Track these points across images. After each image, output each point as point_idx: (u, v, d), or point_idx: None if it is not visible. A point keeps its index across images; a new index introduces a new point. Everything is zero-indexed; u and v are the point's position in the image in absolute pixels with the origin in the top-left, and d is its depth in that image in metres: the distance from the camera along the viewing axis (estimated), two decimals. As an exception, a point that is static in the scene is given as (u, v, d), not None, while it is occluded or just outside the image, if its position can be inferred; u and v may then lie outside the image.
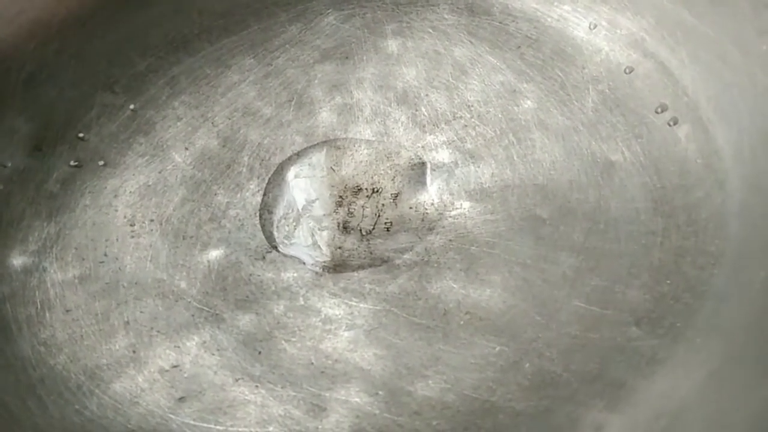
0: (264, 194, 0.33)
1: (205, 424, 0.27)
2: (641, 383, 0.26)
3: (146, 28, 0.36)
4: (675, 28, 0.34)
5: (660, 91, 0.33)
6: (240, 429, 0.27)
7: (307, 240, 0.32)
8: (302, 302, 0.30)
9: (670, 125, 0.33)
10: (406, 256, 0.31)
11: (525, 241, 0.31)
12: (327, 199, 0.33)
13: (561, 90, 0.35)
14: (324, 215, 0.32)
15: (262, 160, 0.34)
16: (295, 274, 0.31)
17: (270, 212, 0.33)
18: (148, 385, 0.28)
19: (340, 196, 0.33)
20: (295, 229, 0.32)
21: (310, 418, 0.27)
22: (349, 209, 0.32)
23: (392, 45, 0.37)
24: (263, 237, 0.32)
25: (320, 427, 0.27)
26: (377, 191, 0.33)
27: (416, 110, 0.35)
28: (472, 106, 0.35)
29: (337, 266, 0.31)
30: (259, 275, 0.31)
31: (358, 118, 0.35)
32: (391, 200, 0.33)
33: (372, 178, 0.33)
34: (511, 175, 0.33)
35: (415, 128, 0.35)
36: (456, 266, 0.30)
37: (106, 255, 0.32)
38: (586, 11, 0.36)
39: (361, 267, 0.31)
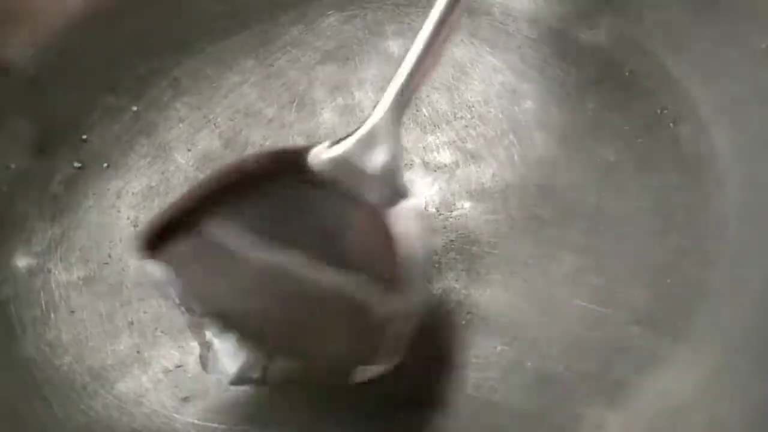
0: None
1: (209, 424, 0.27)
2: (642, 382, 0.27)
3: (147, 30, 0.37)
4: (675, 29, 0.34)
5: (660, 92, 0.33)
6: (244, 428, 0.27)
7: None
8: (305, 302, 0.30)
9: (669, 126, 0.33)
10: (407, 256, 0.31)
11: (526, 241, 0.31)
12: None
13: (561, 90, 0.35)
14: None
15: (264, 161, 0.34)
16: (298, 275, 0.31)
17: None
18: (153, 385, 0.28)
19: (342, 197, 0.33)
20: None
21: (314, 417, 0.27)
22: (351, 210, 0.32)
23: (393, 46, 0.37)
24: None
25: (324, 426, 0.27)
26: (379, 192, 0.33)
27: (417, 111, 0.35)
28: (473, 106, 0.35)
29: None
30: (262, 276, 0.31)
31: (359, 119, 0.35)
32: (393, 201, 0.33)
33: (374, 179, 0.33)
34: (511, 176, 0.33)
35: (416, 129, 0.35)
36: (457, 266, 0.30)
37: (110, 256, 0.32)
38: (587, 11, 0.36)
39: (363, 267, 0.31)
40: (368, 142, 0.26)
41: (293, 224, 0.25)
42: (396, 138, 0.26)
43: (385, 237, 0.25)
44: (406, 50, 0.36)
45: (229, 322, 0.25)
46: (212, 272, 0.25)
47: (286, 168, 0.26)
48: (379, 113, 0.26)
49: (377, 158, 0.26)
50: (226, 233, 0.25)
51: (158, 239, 0.25)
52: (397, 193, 0.26)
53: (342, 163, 0.26)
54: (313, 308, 0.24)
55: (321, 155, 0.26)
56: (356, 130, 0.27)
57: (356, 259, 0.25)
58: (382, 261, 0.25)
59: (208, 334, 0.26)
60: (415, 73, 0.27)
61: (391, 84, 0.27)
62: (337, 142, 0.27)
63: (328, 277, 0.24)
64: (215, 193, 0.26)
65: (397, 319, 0.24)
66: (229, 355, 0.25)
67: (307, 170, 0.26)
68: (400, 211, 0.26)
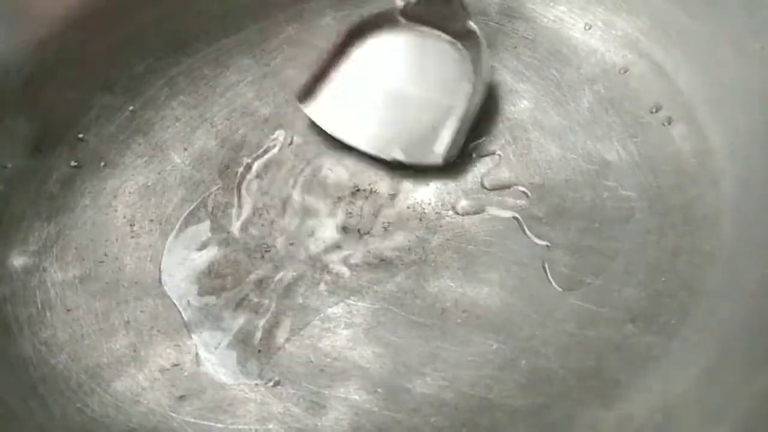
0: (263, 193, 0.33)
1: (205, 422, 0.27)
2: (637, 380, 0.27)
3: (145, 29, 0.37)
4: (670, 29, 0.34)
5: (655, 91, 0.33)
6: (240, 427, 0.27)
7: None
8: (301, 301, 0.30)
9: (664, 125, 0.33)
10: (403, 255, 0.31)
11: (522, 239, 0.31)
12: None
13: (557, 90, 0.35)
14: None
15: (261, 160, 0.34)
16: (294, 273, 0.31)
17: (268, 211, 0.33)
18: (149, 384, 0.28)
19: (339, 197, 0.33)
20: None
21: (309, 416, 0.27)
22: (347, 209, 0.33)
23: (389, 45, 0.37)
24: (261, 236, 0.32)
25: (319, 424, 0.27)
26: (375, 191, 0.33)
27: (413, 110, 0.35)
28: (469, 105, 0.35)
29: (335, 264, 0.31)
30: (258, 274, 0.31)
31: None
32: (389, 200, 0.33)
33: (370, 178, 0.33)
34: (507, 175, 0.33)
35: (413, 128, 0.35)
36: (453, 265, 0.30)
37: (106, 255, 0.32)
38: (582, 12, 0.36)
39: (359, 266, 0.31)
40: None
41: (392, 58, 0.35)
42: None
43: (458, 58, 0.34)
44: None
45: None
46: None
47: (380, 24, 0.35)
48: None
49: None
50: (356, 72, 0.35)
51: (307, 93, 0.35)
52: (464, 23, 0.34)
53: (420, 9, 0.35)
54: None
55: (404, 9, 0.35)
56: None
57: (439, 73, 0.34)
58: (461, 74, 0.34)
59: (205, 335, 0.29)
60: None
61: None
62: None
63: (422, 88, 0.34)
64: (338, 53, 0.35)
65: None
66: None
67: (397, 21, 0.35)
68: (467, 37, 0.34)
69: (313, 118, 0.34)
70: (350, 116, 0.34)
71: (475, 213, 0.32)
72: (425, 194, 0.33)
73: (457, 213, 0.32)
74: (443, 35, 0.35)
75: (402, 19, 0.35)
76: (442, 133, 0.33)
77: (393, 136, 0.33)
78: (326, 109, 0.34)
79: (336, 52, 0.35)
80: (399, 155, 0.33)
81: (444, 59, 0.34)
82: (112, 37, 0.36)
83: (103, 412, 0.28)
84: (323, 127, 0.34)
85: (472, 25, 0.34)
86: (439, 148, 0.33)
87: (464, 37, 0.34)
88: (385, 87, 0.34)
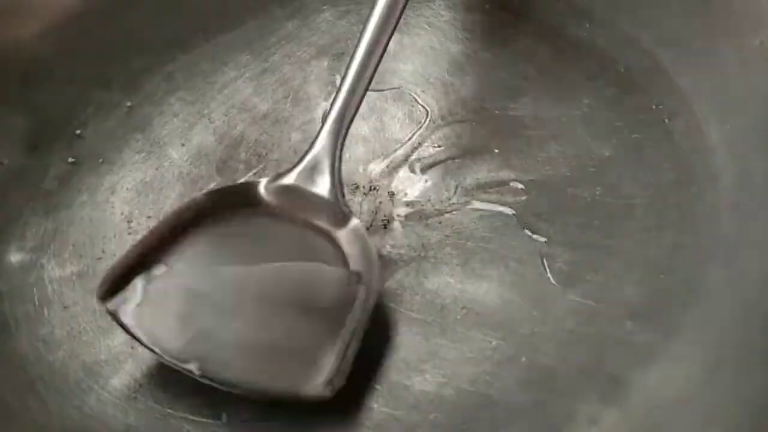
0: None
1: (203, 419, 0.27)
2: (636, 376, 0.27)
3: (142, 25, 0.36)
4: (669, 25, 0.34)
5: (654, 88, 0.33)
6: (239, 423, 0.27)
7: None
8: (300, 298, 0.30)
9: (664, 122, 0.33)
10: (402, 252, 0.31)
11: (521, 236, 0.31)
12: None
13: (556, 87, 0.35)
14: None
15: (259, 156, 0.34)
16: (293, 270, 0.31)
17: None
18: (146, 381, 0.28)
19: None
20: None
21: (308, 413, 0.27)
22: (346, 206, 0.32)
23: (388, 41, 0.37)
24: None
25: (318, 421, 0.27)
26: (374, 188, 0.33)
27: (412, 106, 0.35)
28: (468, 102, 0.35)
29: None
30: (256, 271, 0.31)
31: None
32: (388, 197, 0.33)
33: (369, 175, 0.33)
34: (506, 171, 0.33)
35: (412, 125, 0.35)
36: (453, 262, 0.30)
37: (103, 252, 0.32)
38: (582, 9, 0.36)
39: (358, 263, 0.31)
40: (311, 170, 0.29)
41: (250, 253, 0.27)
42: (337, 164, 0.29)
43: (335, 257, 0.27)
44: (402, 46, 0.36)
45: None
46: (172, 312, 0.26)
47: (239, 202, 0.28)
48: (320, 143, 0.29)
49: (321, 184, 0.28)
50: (185, 271, 0.26)
51: (115, 288, 0.26)
52: (342, 214, 0.29)
53: (290, 191, 0.29)
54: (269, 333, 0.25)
55: (270, 187, 0.29)
56: (300, 160, 0.29)
57: (314, 278, 0.27)
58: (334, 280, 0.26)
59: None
60: (350, 102, 0.29)
61: (329, 115, 0.29)
62: (283, 174, 0.29)
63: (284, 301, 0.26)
64: (172, 234, 0.27)
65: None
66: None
67: (259, 202, 0.28)
68: (347, 231, 0.28)
69: (127, 326, 0.25)
70: (185, 329, 0.25)
71: (474, 210, 0.32)
72: (424, 191, 0.33)
73: (456, 210, 0.32)
74: (317, 224, 0.27)
75: (266, 199, 0.27)
76: (322, 358, 0.24)
77: (250, 361, 0.25)
78: (146, 314, 0.25)
79: (165, 233, 0.26)
80: (264, 388, 0.24)
81: (320, 257, 0.27)
82: (109, 33, 0.36)
83: (100, 410, 0.28)
84: (143, 341, 0.25)
85: (352, 214, 0.28)
86: (321, 377, 0.24)
87: (343, 229, 0.27)
88: (237, 291, 0.25)
